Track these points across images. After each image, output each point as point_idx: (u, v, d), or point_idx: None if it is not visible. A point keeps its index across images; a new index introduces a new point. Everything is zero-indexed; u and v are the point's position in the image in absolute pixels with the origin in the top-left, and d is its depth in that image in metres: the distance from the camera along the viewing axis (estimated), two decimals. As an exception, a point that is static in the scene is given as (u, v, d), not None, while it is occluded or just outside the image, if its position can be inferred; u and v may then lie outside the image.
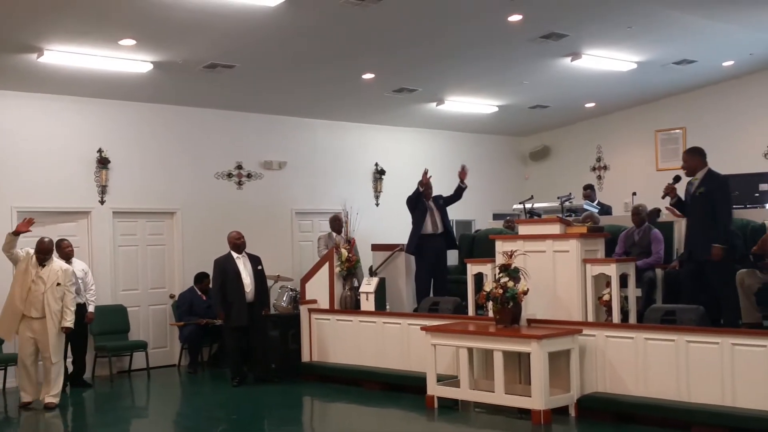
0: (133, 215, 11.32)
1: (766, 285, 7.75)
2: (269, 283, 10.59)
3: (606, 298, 7.80)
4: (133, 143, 11.32)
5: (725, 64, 12.68)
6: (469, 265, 8.91)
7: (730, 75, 13.34)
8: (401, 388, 8.90)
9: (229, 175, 12.24)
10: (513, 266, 7.90)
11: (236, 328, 9.81)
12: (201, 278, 11.28)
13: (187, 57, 9.70)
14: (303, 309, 10.23)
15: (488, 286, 8.03)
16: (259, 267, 10.07)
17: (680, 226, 9.76)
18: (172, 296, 11.52)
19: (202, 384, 10.47)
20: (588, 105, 14.50)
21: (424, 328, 8.33)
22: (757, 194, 10.45)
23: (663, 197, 8.29)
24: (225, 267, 9.90)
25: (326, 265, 10.18)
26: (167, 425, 8.55)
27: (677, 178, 8.31)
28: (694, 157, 8.06)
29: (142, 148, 11.41)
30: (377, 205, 13.98)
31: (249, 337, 9.90)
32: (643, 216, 9.08)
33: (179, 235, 11.67)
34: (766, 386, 6.56)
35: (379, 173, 14.09)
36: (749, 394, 6.66)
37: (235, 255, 9.98)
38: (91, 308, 10.09)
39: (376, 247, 10.98)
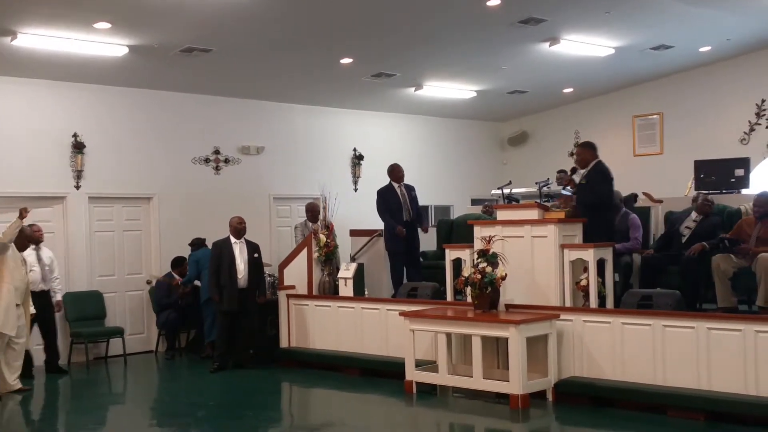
0: (110, 200, 11.23)
1: (741, 270, 7.82)
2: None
3: (584, 283, 7.83)
4: (109, 128, 11.20)
5: (702, 49, 12.74)
6: (447, 251, 8.91)
7: (706, 61, 13.40)
8: (380, 374, 8.91)
9: (207, 160, 12.15)
10: (491, 251, 7.91)
11: (226, 312, 9.79)
12: (178, 263, 11.22)
13: (163, 41, 9.60)
14: (281, 295, 10.20)
15: (467, 271, 8.04)
16: (256, 254, 10.03)
17: (657, 212, 9.85)
18: (149, 282, 11.45)
19: (179, 370, 10.43)
20: (566, 90, 14.53)
21: (402, 314, 8.34)
22: (732, 180, 10.51)
23: (559, 186, 8.49)
24: (221, 251, 9.89)
25: (305, 251, 10.15)
26: (144, 411, 8.51)
27: (574, 170, 8.63)
28: (586, 151, 8.54)
29: (118, 132, 11.29)
30: (355, 190, 13.95)
31: (239, 322, 9.87)
32: (617, 202, 9.10)
33: (156, 221, 11.59)
34: (741, 370, 6.62)
35: (358, 158, 14.05)
36: (724, 377, 6.72)
37: (233, 240, 9.96)
38: (58, 297, 10.07)
39: (354, 233, 10.96)
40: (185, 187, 11.82)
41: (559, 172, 12.86)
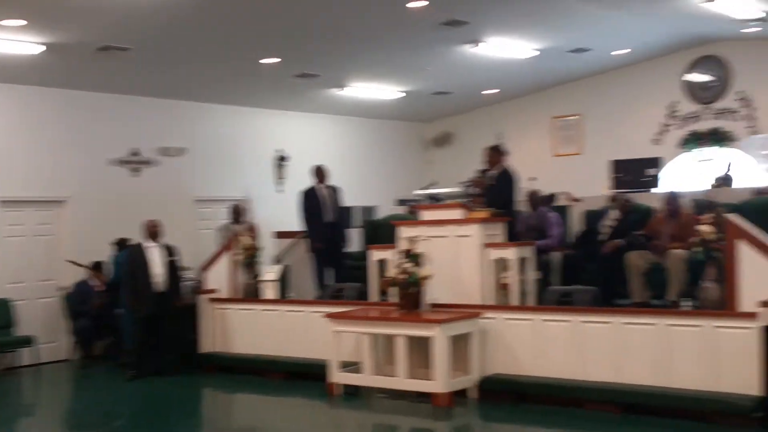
0: (20, 204, 10.82)
1: (655, 266, 8.05)
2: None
3: (506, 281, 7.94)
4: (20, 128, 10.83)
5: (618, 52, 13.07)
6: (372, 251, 8.92)
7: (622, 63, 13.76)
8: (304, 377, 8.85)
9: (124, 162, 11.88)
10: (415, 252, 7.94)
11: (143, 318, 9.57)
12: (96, 267, 10.93)
13: (80, 39, 9.35)
14: (203, 298, 10.05)
15: (391, 271, 8.06)
16: (173, 257, 9.84)
17: (576, 210, 10.05)
18: (62, 288, 11.11)
19: (95, 379, 10.13)
20: (489, 91, 14.71)
21: (327, 316, 8.31)
22: (645, 179, 10.81)
23: (470, 187, 8.75)
24: (136, 255, 9.66)
25: (227, 254, 10.01)
26: (57, 423, 8.22)
27: (484, 171, 8.93)
28: (496, 154, 8.94)
29: (30, 133, 10.92)
30: (280, 192, 13.85)
31: (157, 327, 9.66)
32: (536, 201, 9.28)
33: (70, 225, 11.24)
34: (655, 363, 6.81)
35: (282, 160, 13.95)
36: (639, 370, 6.90)
37: (148, 243, 9.73)
38: None
39: (279, 235, 10.88)
40: (101, 189, 11.51)
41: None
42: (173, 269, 9.80)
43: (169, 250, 9.83)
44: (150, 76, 11.22)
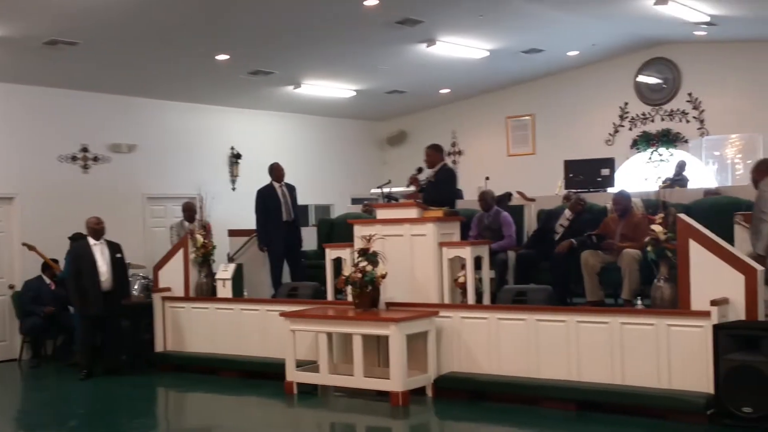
0: (-33, 201, 10.61)
1: (608, 265, 8.16)
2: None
3: (461, 280, 7.98)
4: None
5: (570, 53, 13.23)
6: (327, 250, 8.89)
7: (574, 64, 13.94)
8: (260, 376, 8.79)
9: (74, 158, 11.67)
10: (371, 250, 7.94)
11: (90, 317, 9.39)
12: (48, 265, 10.72)
13: (27, 32, 9.15)
14: (156, 297, 9.91)
15: (347, 270, 8.04)
16: (119, 255, 9.67)
17: (530, 210, 10.14)
18: (11, 287, 10.89)
19: (46, 378, 9.94)
20: (443, 91, 14.79)
21: (282, 314, 8.26)
22: (599, 179, 10.95)
23: (407, 186, 8.84)
24: (79, 253, 9.46)
25: (181, 252, 9.90)
26: (8, 423, 8.02)
27: (420, 170, 9.04)
28: (435, 153, 9.05)
29: (-23, 129, 10.70)
30: (234, 189, 13.74)
31: (104, 327, 9.50)
32: (489, 201, 9.34)
33: (19, 223, 11.02)
34: (609, 361, 6.90)
35: (236, 157, 13.84)
36: (593, 368, 6.98)
37: (92, 241, 9.53)
38: None
39: (233, 233, 10.79)
40: (50, 186, 11.29)
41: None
42: (119, 267, 9.63)
43: (114, 248, 9.65)
44: (100, 71, 11.04)
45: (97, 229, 9.58)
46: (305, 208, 13.63)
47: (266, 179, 10.47)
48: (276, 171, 10.41)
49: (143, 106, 12.56)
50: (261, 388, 8.46)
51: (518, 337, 7.41)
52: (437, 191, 8.63)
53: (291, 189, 10.40)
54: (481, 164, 14.71)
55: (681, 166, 12.32)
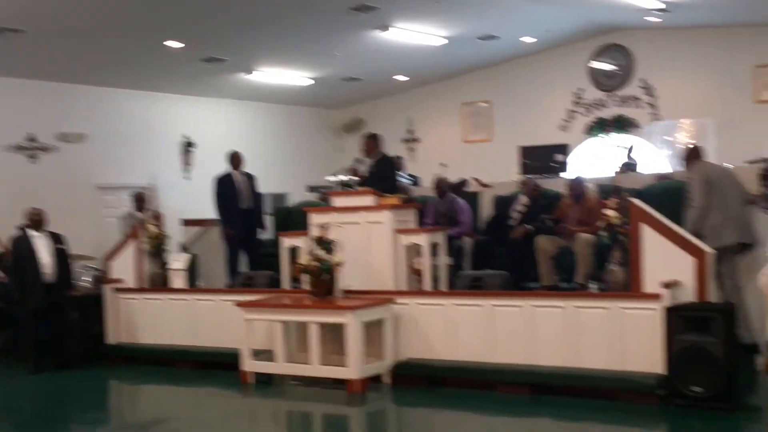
0: None
1: (563, 249, 8.21)
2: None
3: (418, 267, 7.97)
4: None
5: (525, 40, 13.27)
6: (283, 239, 8.82)
7: (529, 51, 14.00)
8: (215, 366, 8.69)
9: (20, 148, 11.39)
10: (327, 238, 7.89)
11: (33, 310, 9.18)
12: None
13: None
14: (107, 288, 9.75)
15: (303, 259, 7.98)
16: (61, 245, 9.47)
17: (486, 196, 10.16)
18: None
19: (-5, 373, 9.73)
20: (399, 78, 14.75)
21: (238, 304, 8.18)
22: (554, 164, 11.01)
23: (347, 176, 9.03)
24: (20, 245, 9.23)
25: (133, 242, 9.74)
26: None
27: (359, 160, 9.15)
28: (373, 142, 9.06)
29: None
30: (187, 178, 13.57)
31: (50, 320, 9.30)
32: (443, 188, 9.34)
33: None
34: (564, 344, 6.94)
35: (189, 146, 13.66)
36: (549, 352, 7.02)
37: (32, 233, 9.31)
38: None
39: (187, 223, 10.65)
40: (-4, 176, 11.06)
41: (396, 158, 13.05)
42: (62, 259, 9.43)
43: (57, 239, 9.44)
44: (47, 59, 10.81)
45: (36, 219, 9.33)
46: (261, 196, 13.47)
47: (220, 167, 10.36)
48: (235, 159, 10.31)
49: (92, 94, 12.33)
50: (216, 379, 8.38)
51: (475, 323, 7.42)
52: (379, 182, 8.62)
53: (250, 177, 10.30)
54: (438, 151, 14.72)
55: (629, 150, 12.43)
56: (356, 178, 8.80)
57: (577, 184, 8.62)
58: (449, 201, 9.25)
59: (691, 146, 8.28)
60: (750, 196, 7.54)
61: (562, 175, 10.76)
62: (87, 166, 12.14)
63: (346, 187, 9.37)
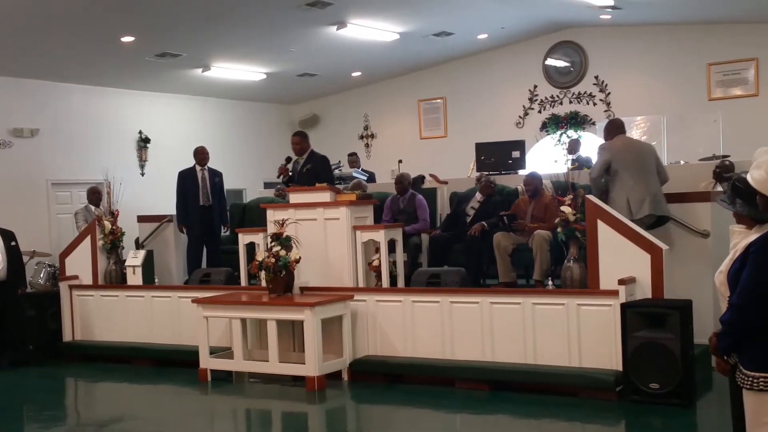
0: None
1: (520, 246, 8.29)
2: (24, 259, 9.84)
3: (375, 263, 7.99)
4: None
5: (480, 36, 13.36)
6: (240, 235, 8.78)
7: (484, 48, 14.09)
8: (173, 364, 8.65)
9: (-27, 144, 11.20)
10: (285, 235, 7.88)
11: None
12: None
13: None
14: (63, 286, 9.62)
15: (260, 255, 7.96)
16: (13, 243, 9.31)
17: (443, 192, 10.23)
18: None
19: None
20: (355, 74, 14.75)
21: (195, 301, 8.13)
22: (510, 161, 11.09)
23: (278, 177, 8.98)
24: None
25: (88, 239, 9.61)
26: None
27: (288, 159, 9.17)
28: (304, 140, 9.12)
29: None
30: (142, 174, 13.42)
31: (2, 318, 9.14)
32: (405, 185, 9.38)
33: None
34: (522, 341, 7.02)
35: (144, 141, 13.51)
36: (506, 348, 7.10)
37: (-20, 231, 9.14)
38: None
39: (142, 219, 10.53)
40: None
41: (350, 155, 13.07)
42: (13, 256, 9.28)
43: (8, 236, 9.29)
44: (-2, 53, 10.61)
45: None
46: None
47: (176, 164, 10.29)
48: (199, 154, 10.23)
49: (45, 89, 12.13)
50: (174, 376, 8.33)
51: (433, 320, 7.47)
52: (315, 179, 8.63)
53: (214, 174, 10.23)
54: (394, 147, 14.77)
55: (575, 146, 12.62)
56: (284, 178, 8.85)
57: (533, 180, 8.69)
58: (409, 197, 9.29)
59: (613, 119, 8.49)
60: (666, 176, 7.64)
61: (518, 171, 10.85)
62: (40, 162, 11.95)
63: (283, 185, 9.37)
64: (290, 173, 8.98)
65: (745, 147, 10.49)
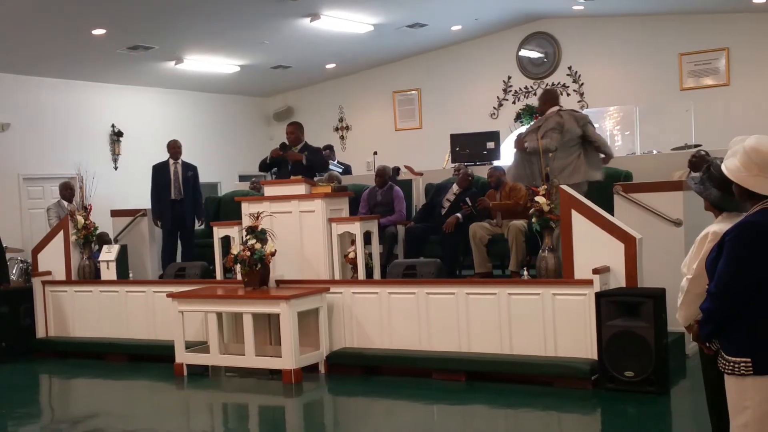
0: None
1: (496, 237, 8.31)
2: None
3: (351, 255, 7.99)
4: None
5: (454, 28, 13.37)
6: (215, 228, 8.74)
7: (458, 39, 14.10)
8: (148, 359, 8.59)
9: (-59, 139, 11.05)
10: (260, 228, 7.84)
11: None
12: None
13: None
14: (36, 281, 9.52)
15: (235, 248, 7.93)
16: None
17: (418, 184, 10.24)
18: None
19: None
20: (329, 66, 14.70)
21: (170, 295, 8.08)
22: (485, 152, 11.14)
23: (268, 161, 9.21)
24: None
25: (61, 234, 9.52)
26: None
27: (284, 146, 9.23)
28: (298, 129, 9.26)
29: None
30: (116, 168, 13.31)
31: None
32: (386, 178, 9.39)
33: None
34: (497, 331, 7.05)
35: (117, 135, 13.40)
36: (482, 339, 7.12)
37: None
38: None
39: (116, 213, 10.45)
40: None
41: (325, 148, 13.02)
42: None
43: None
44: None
45: None
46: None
47: (150, 157, 10.23)
48: (171, 148, 10.20)
49: (15, 83, 11.99)
50: (150, 372, 8.28)
51: (409, 311, 7.48)
52: (309, 170, 8.78)
53: (188, 168, 10.18)
54: (369, 139, 14.76)
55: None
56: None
57: (494, 172, 8.80)
58: (387, 189, 9.30)
59: (546, 89, 8.66)
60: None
61: (493, 162, 10.89)
62: (11, 157, 11.82)
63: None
64: (281, 154, 9.07)
65: (717, 136, 10.64)
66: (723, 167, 3.40)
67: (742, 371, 3.27)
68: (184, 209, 10.03)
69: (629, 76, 13.39)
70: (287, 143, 9.21)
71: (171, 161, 10.11)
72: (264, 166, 9.41)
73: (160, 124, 13.71)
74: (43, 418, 7.36)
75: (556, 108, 7.83)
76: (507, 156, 11.63)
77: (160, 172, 10.07)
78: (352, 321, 7.76)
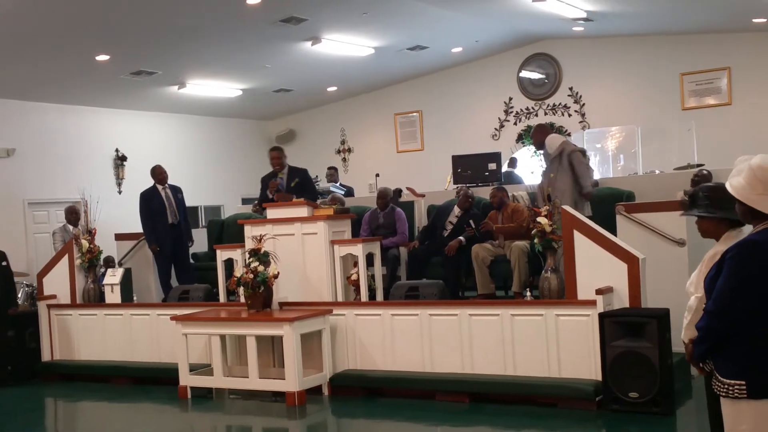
0: None
1: (499, 258, 8.33)
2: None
3: (354, 277, 8.01)
4: None
5: (454, 50, 13.45)
6: (218, 251, 8.77)
7: (459, 61, 14.19)
8: (152, 381, 8.60)
9: (-53, 164, 11.13)
10: (263, 250, 7.88)
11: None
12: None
13: None
14: (41, 305, 9.55)
15: (238, 271, 7.95)
16: (4, 263, 9.24)
17: (420, 205, 10.27)
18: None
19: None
20: (330, 89, 14.79)
21: (174, 318, 8.10)
22: (486, 173, 11.16)
23: (270, 194, 9.02)
24: None
25: (65, 258, 9.56)
26: None
27: (273, 174, 9.25)
28: (284, 155, 9.32)
29: None
30: (120, 192, 13.38)
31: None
32: (387, 200, 9.42)
33: None
34: (501, 352, 7.04)
35: (121, 159, 13.47)
36: (485, 360, 7.12)
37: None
38: None
39: (120, 237, 10.49)
40: None
41: (329, 168, 13.10)
42: (4, 276, 9.23)
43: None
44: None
45: None
46: (195, 209, 13.34)
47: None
48: (157, 173, 10.14)
49: (20, 108, 12.08)
50: (154, 394, 8.28)
51: (412, 333, 7.48)
52: (301, 193, 8.75)
53: (176, 191, 10.18)
54: (371, 161, 14.81)
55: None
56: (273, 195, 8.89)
57: (496, 192, 8.81)
58: (389, 211, 9.33)
59: (538, 125, 8.82)
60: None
61: (494, 183, 10.90)
62: (17, 182, 11.89)
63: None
64: (279, 188, 9.00)
65: (719, 156, 10.66)
66: (728, 185, 3.39)
67: (736, 394, 3.24)
68: (181, 232, 10.05)
69: (630, 97, 13.45)
70: (274, 171, 9.21)
71: (159, 187, 10.09)
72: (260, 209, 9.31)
73: (164, 148, 13.78)
74: (47, 443, 7.36)
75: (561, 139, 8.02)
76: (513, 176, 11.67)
77: (150, 198, 10.02)
78: (355, 343, 7.77)
